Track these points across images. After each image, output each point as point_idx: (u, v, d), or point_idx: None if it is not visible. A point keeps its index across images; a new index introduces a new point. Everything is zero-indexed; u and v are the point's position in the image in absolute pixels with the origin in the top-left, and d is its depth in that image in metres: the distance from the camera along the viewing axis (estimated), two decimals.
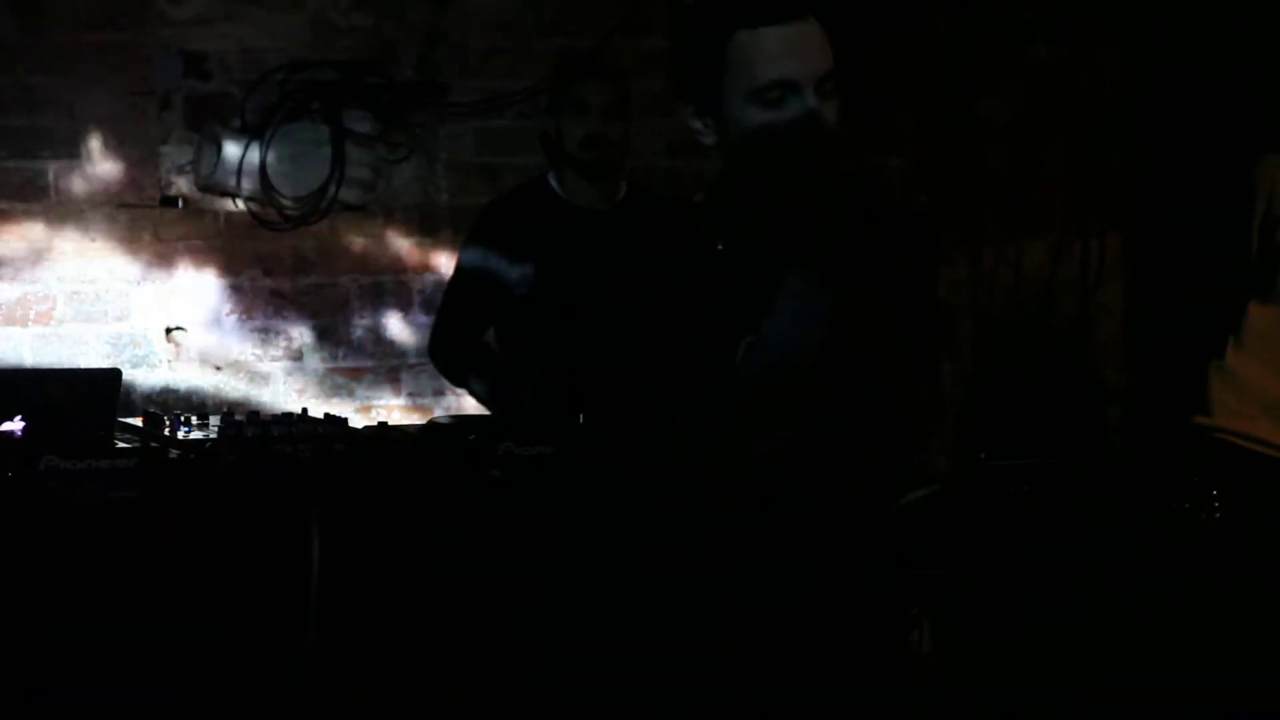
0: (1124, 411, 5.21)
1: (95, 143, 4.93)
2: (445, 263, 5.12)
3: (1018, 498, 4.21)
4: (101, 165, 4.93)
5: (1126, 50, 5.33)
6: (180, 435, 3.99)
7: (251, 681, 3.71)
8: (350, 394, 5.17)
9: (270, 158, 5.02)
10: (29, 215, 4.90)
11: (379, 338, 5.21)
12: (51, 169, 4.91)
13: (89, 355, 4.89)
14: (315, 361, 5.15)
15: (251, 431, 4.05)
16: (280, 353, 5.11)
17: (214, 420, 4.15)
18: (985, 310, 5.43)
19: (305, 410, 4.48)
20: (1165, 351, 4.77)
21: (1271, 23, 4.85)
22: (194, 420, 4.12)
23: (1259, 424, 3.81)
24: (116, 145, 4.94)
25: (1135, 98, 5.28)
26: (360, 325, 5.19)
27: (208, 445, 3.91)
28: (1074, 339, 5.26)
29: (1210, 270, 4.18)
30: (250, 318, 5.08)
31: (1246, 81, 4.95)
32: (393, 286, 5.22)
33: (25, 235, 4.91)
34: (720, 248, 2.59)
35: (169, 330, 5.00)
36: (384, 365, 5.22)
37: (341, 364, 5.18)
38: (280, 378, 5.11)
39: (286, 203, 5.07)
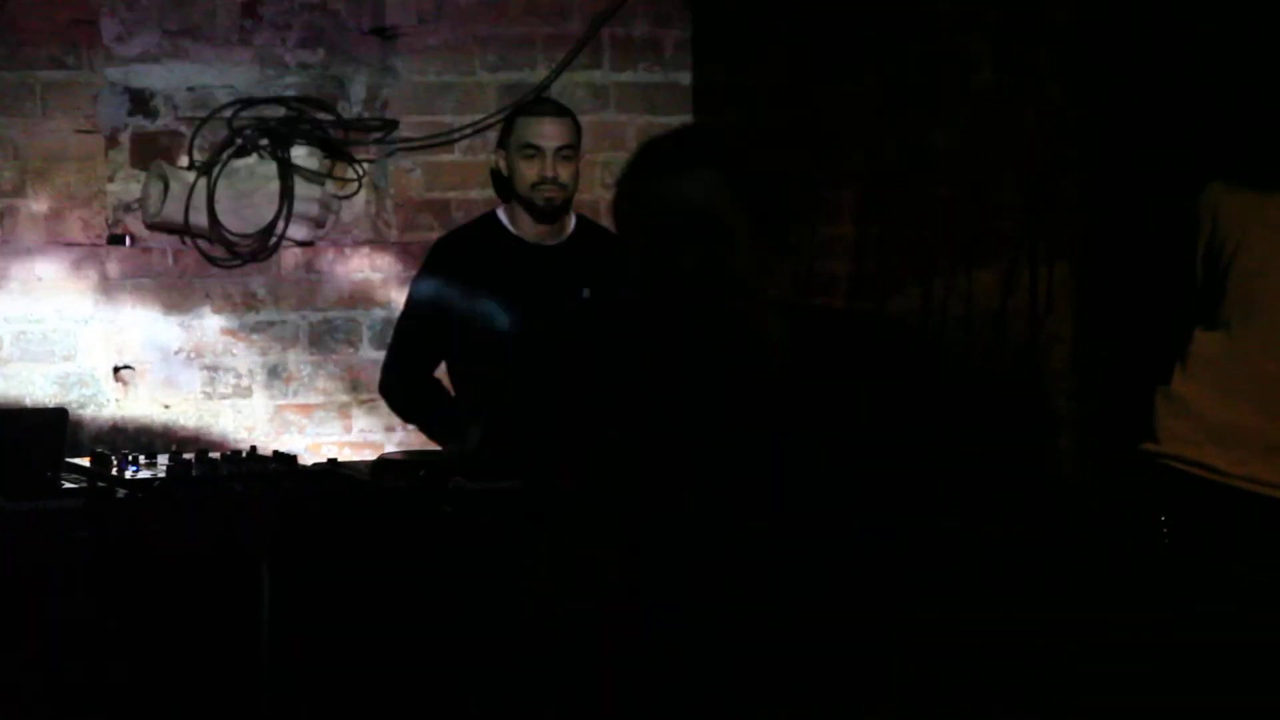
0: (1075, 439, 5.22)
1: (41, 181, 4.90)
2: (395, 298, 5.11)
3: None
4: (48, 204, 4.90)
5: (1072, 79, 5.36)
6: (128, 475, 3.97)
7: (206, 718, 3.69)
8: (301, 431, 5.15)
9: (218, 195, 5.00)
10: None
11: (329, 374, 5.19)
12: None
13: (36, 395, 4.85)
14: (265, 399, 5.12)
15: (200, 470, 4.04)
16: (229, 390, 5.09)
17: (162, 459, 4.13)
18: (937, 339, 5.44)
19: (254, 448, 4.47)
20: (1115, 379, 4.78)
21: (1214, 52, 4.90)
22: (142, 459, 4.11)
23: (1205, 450, 3.82)
24: (63, 184, 4.91)
25: (1082, 126, 5.31)
26: (310, 362, 5.17)
27: (156, 484, 3.89)
28: (1025, 367, 5.28)
29: (1158, 297, 4.20)
30: (199, 355, 5.06)
31: (1191, 108, 4.98)
32: (342, 322, 5.20)
33: None
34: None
35: (117, 369, 4.97)
36: (334, 402, 5.20)
37: (292, 401, 5.16)
38: (230, 415, 5.08)
39: (235, 240, 5.05)
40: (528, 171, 4.56)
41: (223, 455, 4.15)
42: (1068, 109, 5.36)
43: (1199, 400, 3.89)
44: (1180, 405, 3.91)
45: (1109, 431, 4.53)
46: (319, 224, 5.17)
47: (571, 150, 4.61)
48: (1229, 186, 3.98)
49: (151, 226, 5.01)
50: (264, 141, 5.08)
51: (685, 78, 5.50)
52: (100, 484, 3.91)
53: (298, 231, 5.13)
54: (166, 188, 4.96)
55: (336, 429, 5.19)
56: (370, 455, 5.05)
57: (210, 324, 5.07)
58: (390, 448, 5.15)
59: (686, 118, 5.52)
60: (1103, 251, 5.18)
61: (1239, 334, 3.87)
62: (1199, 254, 3.99)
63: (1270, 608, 3.67)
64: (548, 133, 4.58)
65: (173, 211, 4.96)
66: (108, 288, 4.96)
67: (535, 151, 4.55)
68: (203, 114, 5.05)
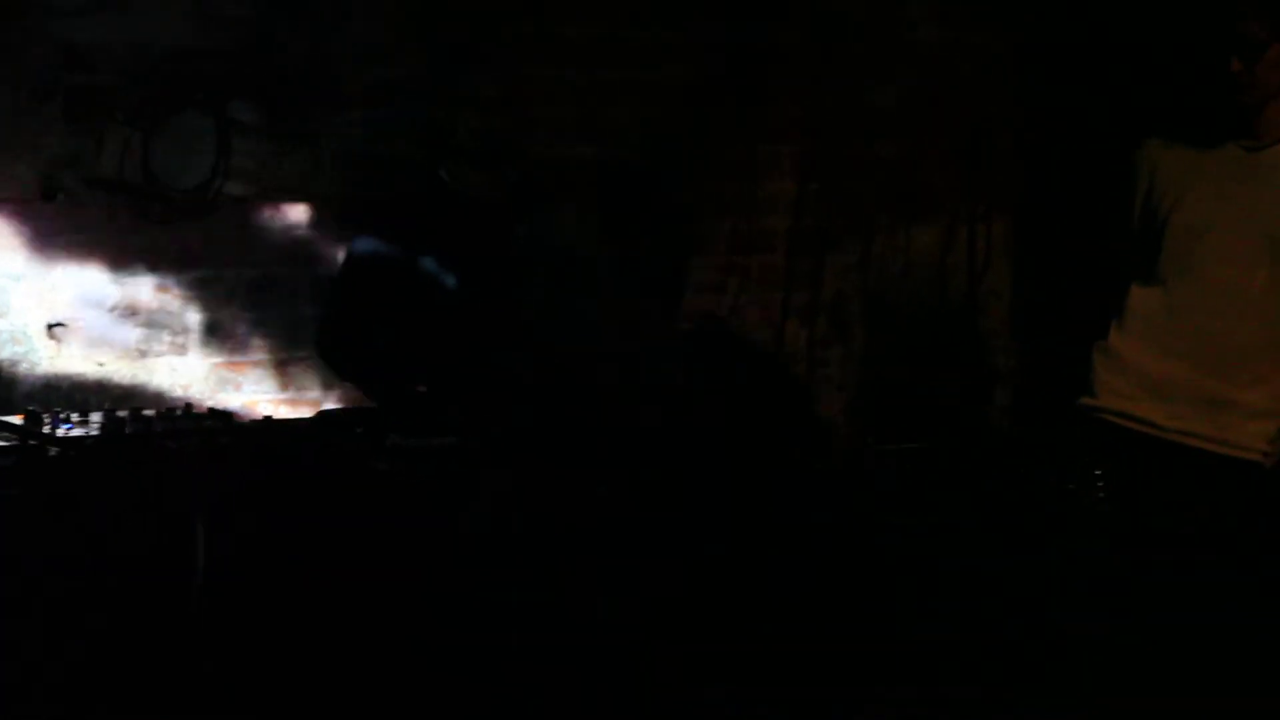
0: (1012, 394, 5.24)
1: None
2: (333, 254, 5.08)
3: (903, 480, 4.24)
4: None
5: (1012, 36, 5.37)
6: (61, 432, 3.94)
7: (138, 681, 3.66)
8: (237, 388, 5.12)
9: (154, 150, 4.95)
10: None
11: (266, 331, 5.16)
12: None
13: None
14: (201, 356, 5.09)
15: (133, 428, 4.01)
16: (165, 347, 5.05)
17: (96, 417, 4.10)
18: (875, 295, 5.46)
19: (189, 405, 4.45)
20: (1052, 334, 4.81)
21: (1153, 8, 4.91)
22: (75, 417, 4.07)
23: (1141, 404, 3.85)
24: None
25: (1021, 83, 5.32)
26: (247, 319, 5.14)
27: (89, 442, 3.86)
28: (963, 323, 5.30)
29: (1095, 253, 4.23)
30: (135, 312, 5.02)
31: (1130, 66, 4.99)
32: (280, 279, 5.17)
33: None
34: None
35: (50, 326, 4.93)
36: (272, 359, 5.17)
37: (229, 358, 5.13)
38: (166, 373, 5.04)
39: (171, 195, 5.00)
40: (467, 123, 4.55)
41: (157, 412, 4.11)
42: (1007, 67, 5.36)
43: (1135, 355, 3.91)
44: (1117, 360, 3.94)
45: (1046, 386, 4.55)
46: (256, 179, 5.13)
47: (512, 101, 4.60)
48: (1167, 143, 4.01)
49: (86, 182, 4.96)
50: (200, 96, 5.03)
51: (627, 33, 5.48)
52: (32, 442, 3.88)
53: (235, 187, 5.09)
54: (101, 143, 4.91)
55: (274, 386, 5.16)
56: (308, 413, 5.03)
57: (145, 280, 5.03)
58: (328, 405, 5.12)
59: (634, 72, 5.50)
60: (1040, 208, 5.20)
61: (1175, 290, 3.89)
62: (1136, 210, 4.01)
63: (1205, 557, 3.71)
64: (487, 83, 4.57)
65: (108, 167, 4.92)
66: (41, 244, 4.91)
67: (474, 102, 4.55)
68: (139, 68, 4.99)
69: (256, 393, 5.13)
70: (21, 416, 4.16)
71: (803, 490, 4.38)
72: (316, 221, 5.20)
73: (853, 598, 4.16)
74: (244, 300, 5.13)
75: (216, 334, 5.11)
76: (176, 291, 5.06)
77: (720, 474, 3.96)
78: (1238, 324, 3.83)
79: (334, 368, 4.82)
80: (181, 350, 5.06)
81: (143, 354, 5.01)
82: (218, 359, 5.11)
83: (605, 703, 2.71)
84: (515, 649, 2.44)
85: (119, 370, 4.99)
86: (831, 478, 4.78)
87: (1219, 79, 3.81)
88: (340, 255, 4.85)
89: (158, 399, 4.95)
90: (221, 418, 4.20)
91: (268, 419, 4.38)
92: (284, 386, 5.18)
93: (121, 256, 5.00)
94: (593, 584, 2.50)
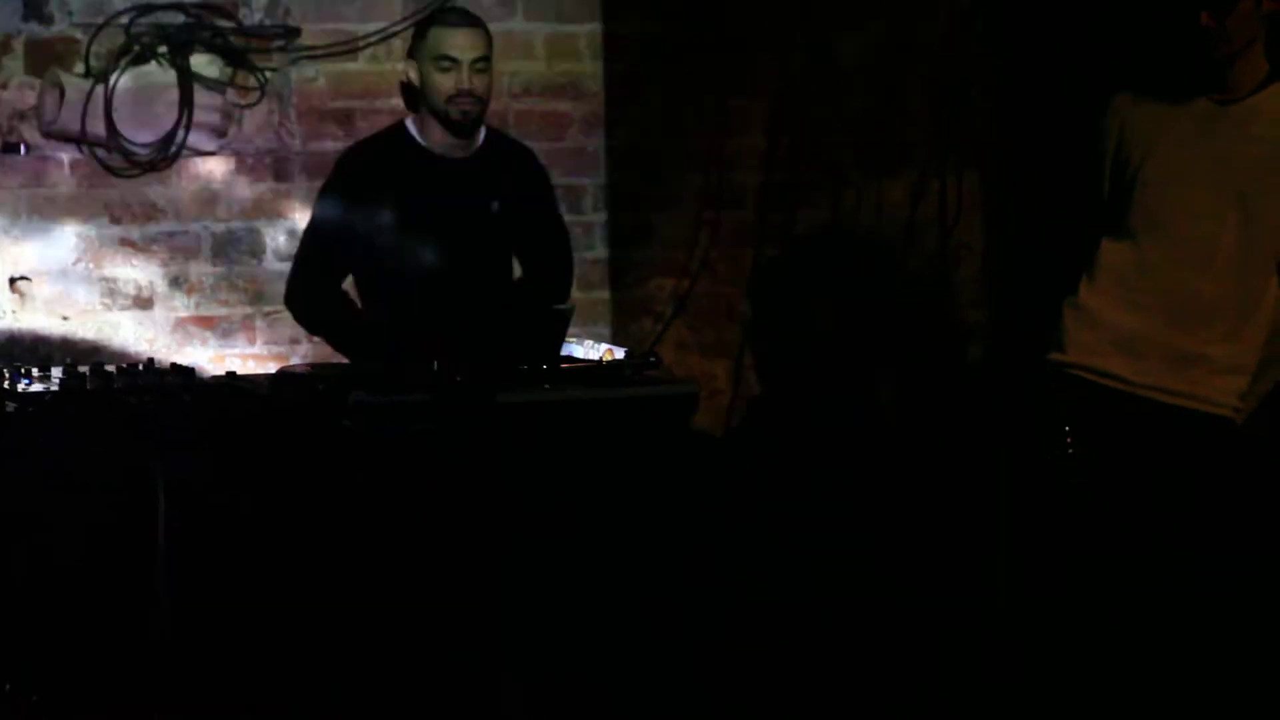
0: (983, 349, 5.21)
1: None
2: (299, 209, 5.04)
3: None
4: None
5: None
6: (20, 388, 3.88)
7: (100, 641, 3.63)
8: (203, 343, 5.09)
9: (116, 103, 4.90)
10: None
11: (232, 286, 5.13)
12: None
13: None
14: (166, 310, 5.05)
15: (94, 383, 3.96)
16: (129, 302, 5.02)
17: (56, 372, 4.05)
18: (846, 250, 5.42)
19: (152, 360, 4.40)
20: (1024, 289, 4.78)
21: None
22: (35, 372, 4.02)
23: (1112, 360, 3.84)
24: None
25: (992, 34, 5.27)
26: (212, 273, 5.10)
27: (48, 398, 3.81)
28: (934, 277, 5.26)
29: (1067, 208, 4.20)
30: (98, 266, 4.98)
31: (1101, 19, 4.96)
32: (245, 233, 5.13)
33: None
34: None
35: (13, 280, 4.89)
36: (238, 314, 5.14)
37: (194, 313, 5.09)
38: (130, 327, 5.01)
39: (134, 149, 4.96)
40: (443, 84, 4.48)
41: (118, 368, 4.06)
42: (978, 17, 5.31)
43: (1106, 310, 3.89)
44: (1087, 315, 3.92)
45: (1018, 341, 4.53)
46: (220, 133, 5.09)
47: (486, 62, 4.53)
48: (1137, 98, 3.99)
49: (47, 135, 4.92)
50: (162, 49, 4.98)
51: None
52: None
53: (199, 141, 5.05)
54: (63, 95, 4.86)
55: (240, 342, 5.13)
56: (275, 368, 4.99)
57: (109, 234, 4.99)
58: (295, 360, 5.10)
59: (595, 26, 5.46)
60: (1012, 161, 5.16)
61: (1145, 245, 3.88)
62: (1106, 164, 3.99)
63: (1175, 515, 3.70)
64: (463, 44, 4.49)
65: (69, 120, 4.87)
66: (2, 198, 4.87)
67: (451, 64, 4.47)
68: (99, 20, 4.94)
69: (223, 348, 5.10)
70: None
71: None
72: (281, 175, 5.16)
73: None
74: (209, 254, 5.09)
75: (182, 289, 5.07)
76: (141, 245, 5.02)
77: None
78: (1208, 279, 3.81)
79: (301, 321, 4.79)
80: (146, 305, 5.03)
81: (107, 308, 4.98)
82: (183, 314, 5.07)
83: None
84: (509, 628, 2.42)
85: (83, 325, 4.96)
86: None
87: (1190, 33, 3.77)
88: (305, 210, 4.81)
89: (122, 354, 4.92)
90: (183, 374, 4.16)
91: (231, 374, 4.34)
92: (251, 341, 5.14)
93: (84, 210, 4.97)
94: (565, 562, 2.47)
